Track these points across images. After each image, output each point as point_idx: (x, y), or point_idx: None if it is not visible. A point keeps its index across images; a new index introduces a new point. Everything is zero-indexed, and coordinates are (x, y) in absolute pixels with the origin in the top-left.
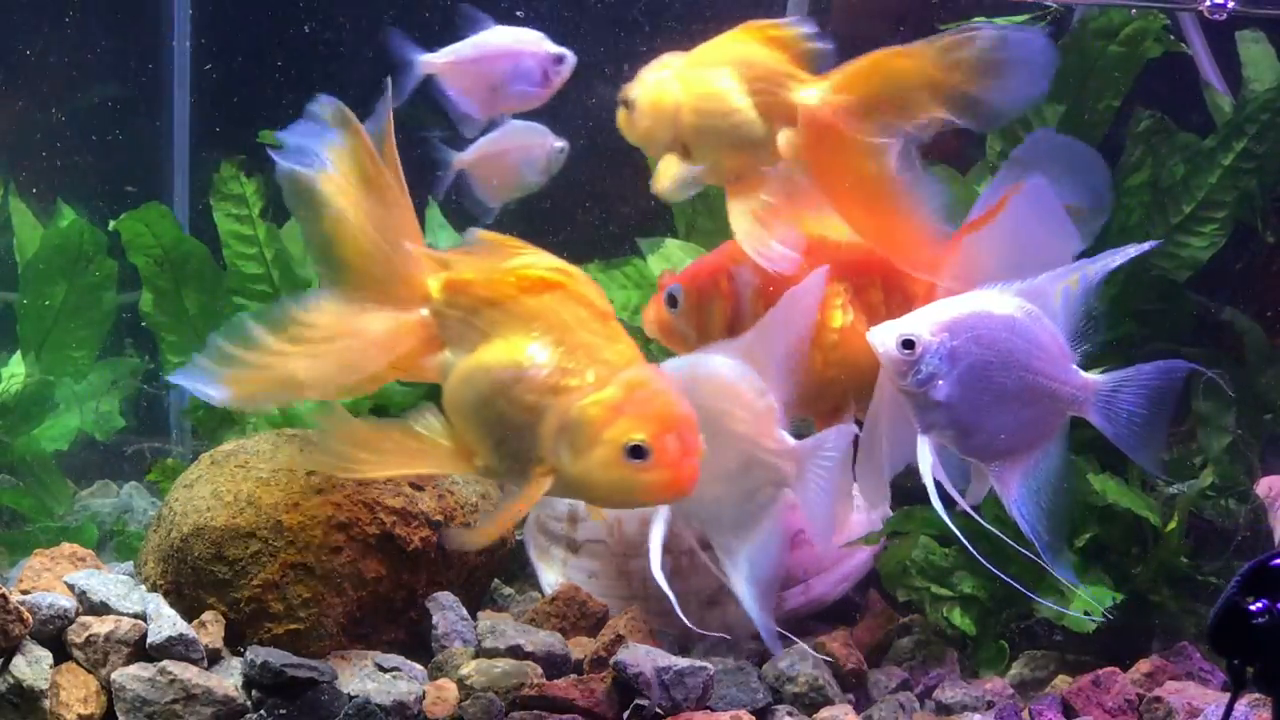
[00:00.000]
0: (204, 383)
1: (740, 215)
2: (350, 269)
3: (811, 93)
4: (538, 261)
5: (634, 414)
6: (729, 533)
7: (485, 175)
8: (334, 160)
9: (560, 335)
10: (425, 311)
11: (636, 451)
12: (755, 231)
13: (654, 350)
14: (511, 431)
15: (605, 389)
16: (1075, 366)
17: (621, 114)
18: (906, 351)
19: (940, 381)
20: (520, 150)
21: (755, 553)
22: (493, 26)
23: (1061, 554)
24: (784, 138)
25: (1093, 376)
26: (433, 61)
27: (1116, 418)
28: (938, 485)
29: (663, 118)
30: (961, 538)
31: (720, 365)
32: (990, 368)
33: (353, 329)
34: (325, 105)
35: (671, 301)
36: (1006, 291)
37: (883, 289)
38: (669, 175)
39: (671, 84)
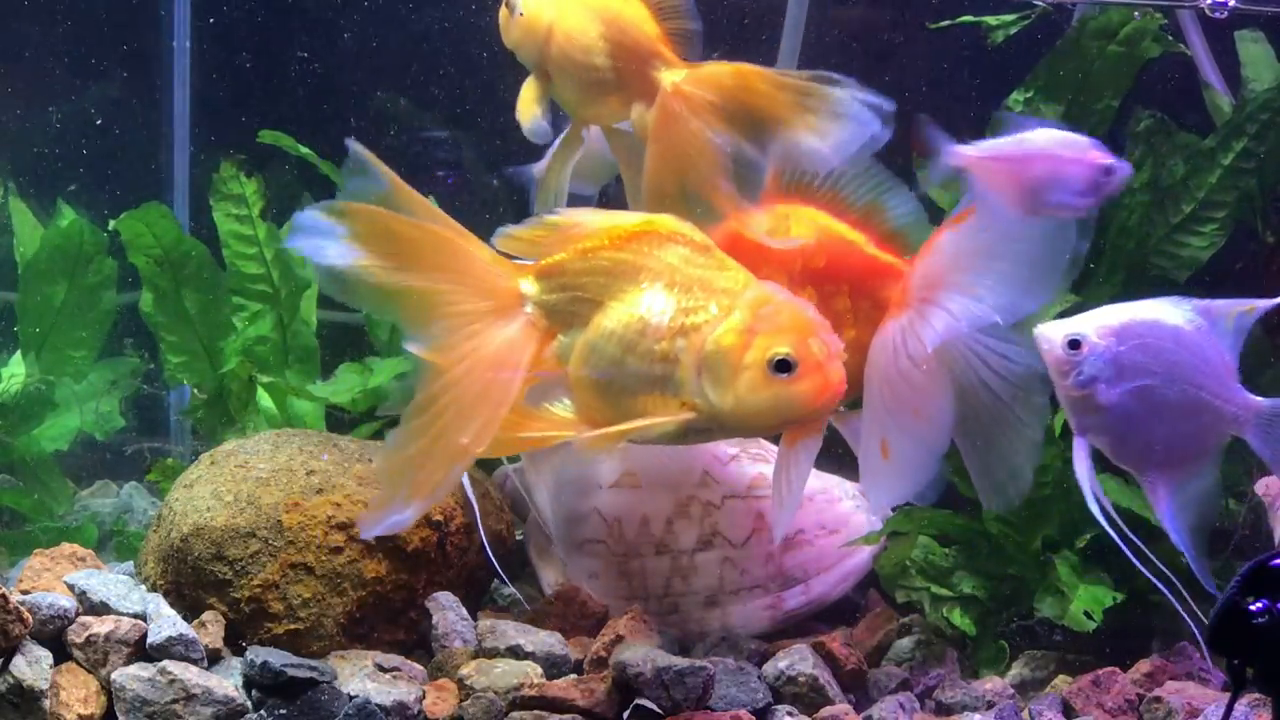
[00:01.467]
0: (394, 515)
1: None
2: (447, 297)
3: (673, 77)
4: (616, 219)
5: (768, 331)
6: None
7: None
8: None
9: (670, 278)
10: (529, 309)
11: (782, 366)
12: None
13: None
14: (648, 386)
15: (732, 316)
16: (1239, 386)
17: (503, 13)
18: (1072, 352)
19: (1102, 385)
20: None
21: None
22: (1038, 128)
23: (1205, 567)
24: (637, 111)
25: (1258, 399)
26: (964, 154)
27: (1275, 442)
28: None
29: (533, 34)
30: (1119, 542)
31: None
32: (1154, 377)
33: (476, 369)
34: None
35: None
36: (1180, 304)
37: (850, 296)
38: (527, 99)
39: (550, 7)
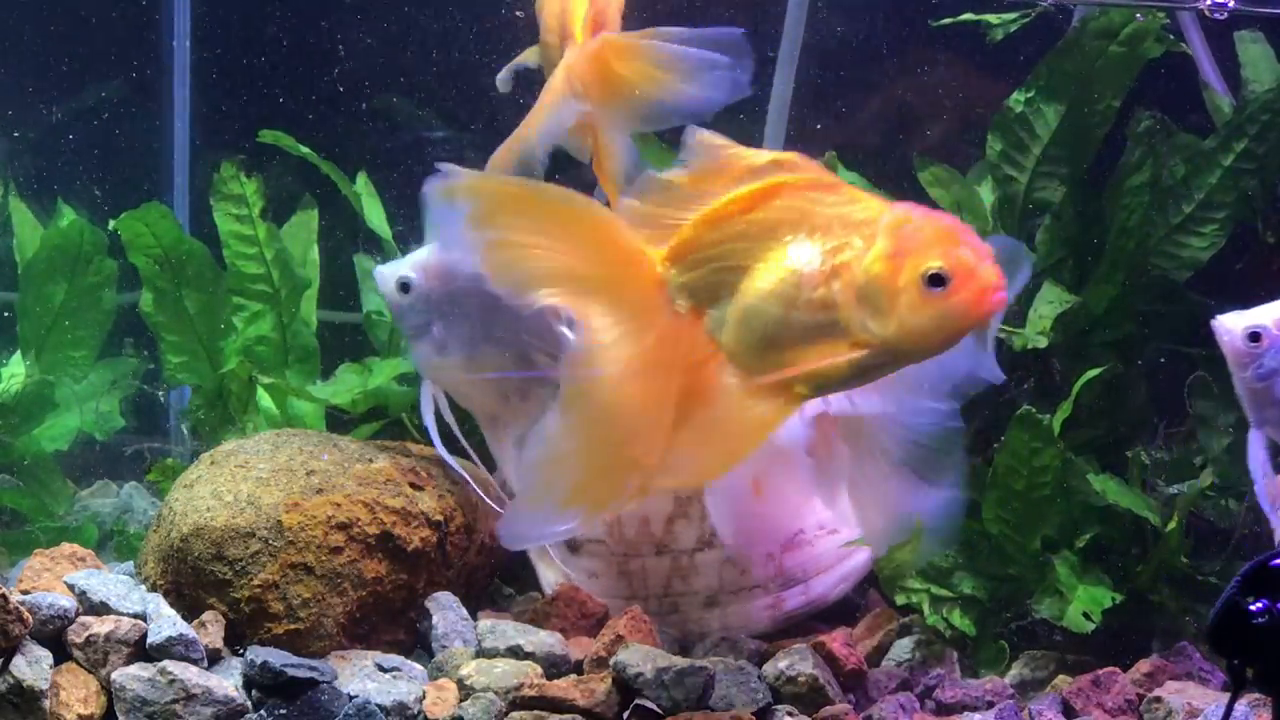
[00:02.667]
0: (547, 521)
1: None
2: (605, 294)
3: (583, 43)
4: (747, 168)
5: (914, 250)
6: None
7: None
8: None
9: (808, 225)
10: (673, 296)
11: (935, 280)
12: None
13: None
14: (815, 336)
15: (876, 244)
16: None
17: None
18: (1252, 345)
19: None
20: None
21: None
22: None
23: None
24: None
25: None
26: None
27: None
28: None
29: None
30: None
31: None
32: None
33: (637, 375)
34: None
35: None
36: None
37: None
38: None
39: None
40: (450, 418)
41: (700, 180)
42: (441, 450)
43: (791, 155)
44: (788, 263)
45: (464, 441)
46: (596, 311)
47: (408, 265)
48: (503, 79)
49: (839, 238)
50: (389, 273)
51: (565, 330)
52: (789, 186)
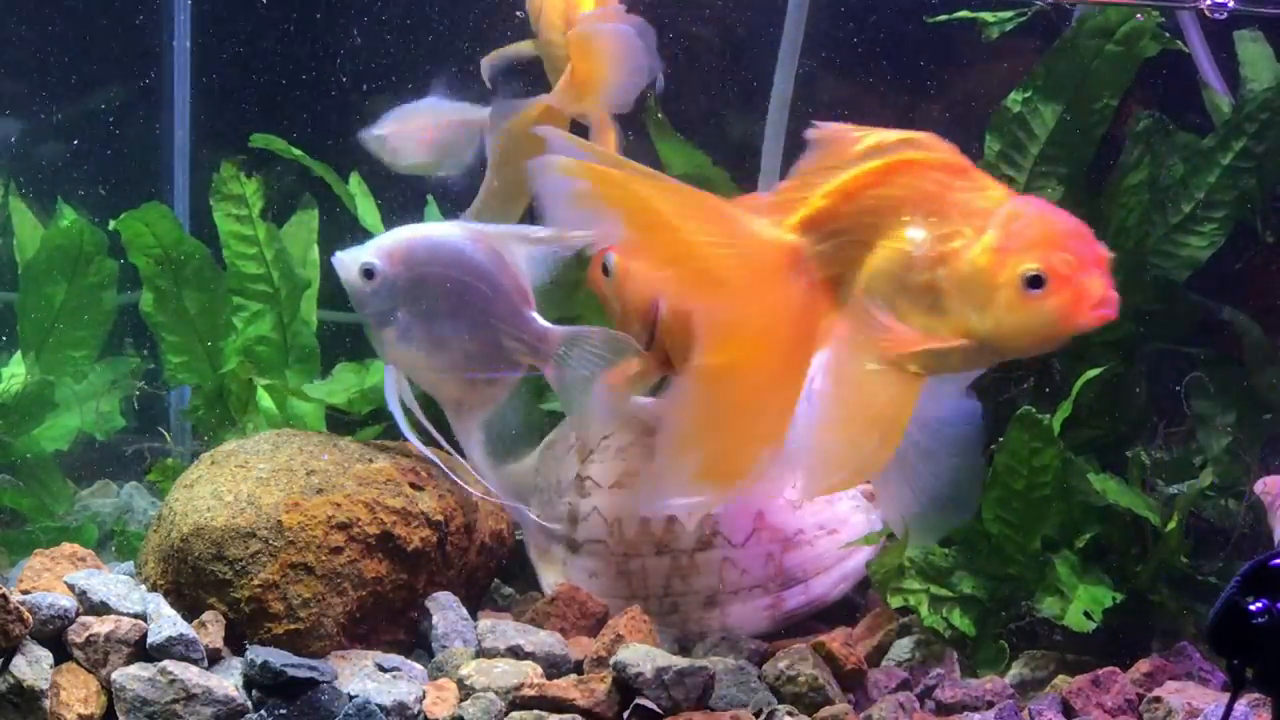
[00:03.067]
0: (679, 494)
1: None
2: (721, 264)
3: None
4: (880, 143)
5: (1018, 247)
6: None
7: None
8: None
9: (929, 207)
10: (808, 264)
11: (1033, 281)
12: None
13: None
14: (920, 319)
15: (985, 235)
16: None
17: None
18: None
19: None
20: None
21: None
22: None
23: None
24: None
25: None
26: None
27: None
28: None
29: None
30: None
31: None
32: None
33: (775, 344)
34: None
35: (604, 268)
36: None
37: None
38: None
39: None
40: (414, 404)
41: (827, 162)
42: (408, 434)
43: (924, 134)
44: (903, 244)
45: (430, 428)
46: (729, 285)
47: (371, 251)
48: (487, 67)
49: (954, 224)
50: (350, 259)
51: (535, 315)
52: (918, 165)
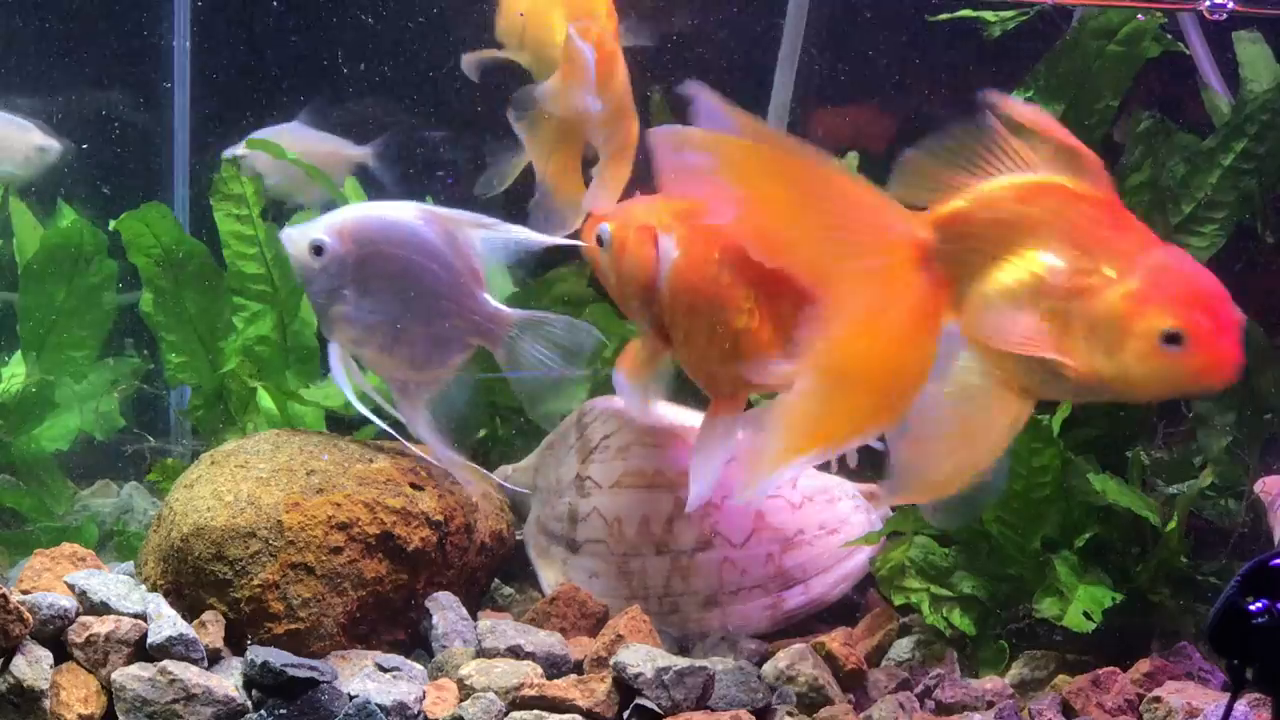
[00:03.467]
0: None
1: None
2: (847, 246)
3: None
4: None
5: (1161, 300)
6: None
7: None
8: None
9: (1070, 236)
10: (934, 259)
11: (1172, 338)
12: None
13: None
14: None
15: (1127, 280)
16: None
17: None
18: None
19: None
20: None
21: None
22: None
23: None
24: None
25: None
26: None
27: None
28: None
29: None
30: None
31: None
32: None
33: (892, 330)
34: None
35: (599, 240)
36: None
37: (794, 304)
38: None
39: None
40: (362, 379)
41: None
42: (360, 407)
43: (1089, 156)
44: (1035, 266)
45: (384, 403)
46: (854, 265)
47: (321, 228)
48: (469, 64)
49: (1096, 260)
50: (299, 235)
51: (487, 297)
52: (1066, 191)
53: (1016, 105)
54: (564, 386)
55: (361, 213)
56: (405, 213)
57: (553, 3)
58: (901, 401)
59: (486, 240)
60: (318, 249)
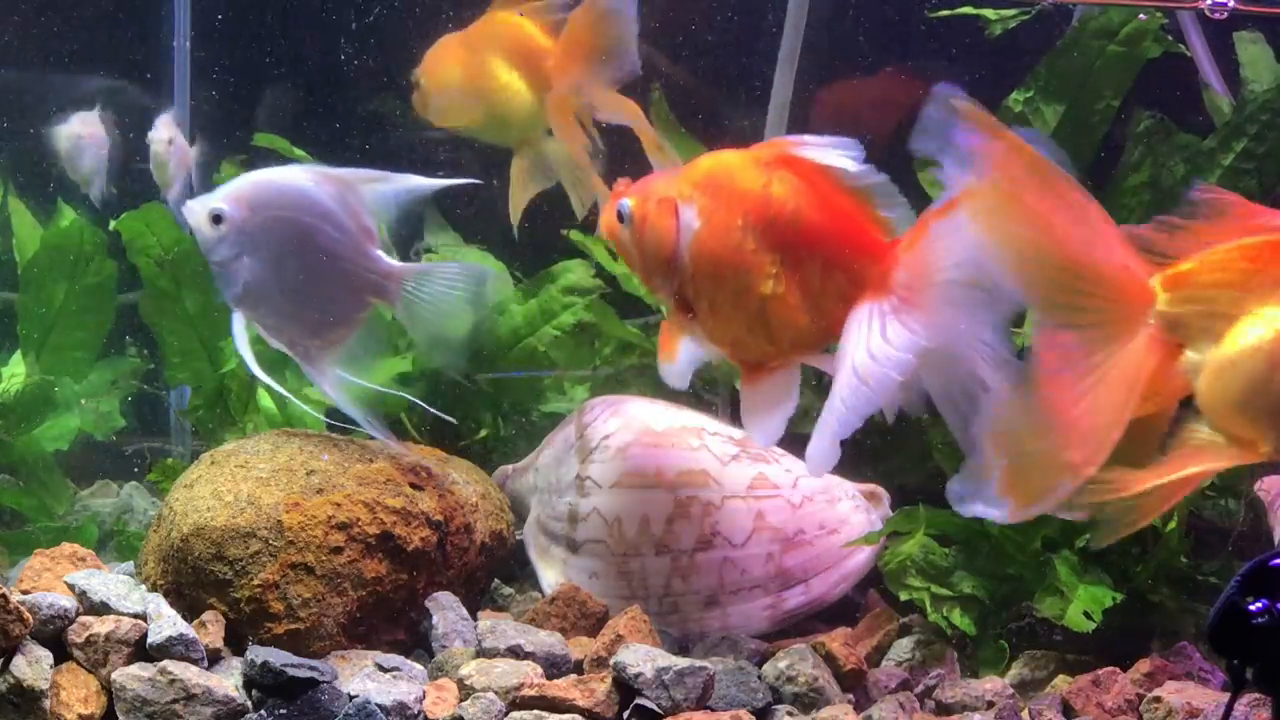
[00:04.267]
0: (983, 499)
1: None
2: (1070, 296)
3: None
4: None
5: None
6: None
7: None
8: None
9: None
10: (1153, 320)
11: None
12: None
13: None
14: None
15: None
16: None
17: None
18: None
19: None
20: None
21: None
22: None
23: None
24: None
25: None
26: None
27: None
28: None
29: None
30: None
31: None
32: None
33: (1100, 383)
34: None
35: (620, 215)
36: None
37: (823, 270)
38: None
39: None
40: (277, 344)
41: (1211, 231)
42: (261, 375)
43: None
44: (1272, 335)
45: (306, 363)
46: (1077, 307)
47: (219, 196)
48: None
49: None
50: (199, 206)
51: (380, 254)
52: None
53: (1216, 191)
54: (459, 326)
55: (256, 178)
56: (298, 176)
57: (486, 55)
58: (1100, 446)
59: (378, 194)
60: (217, 218)
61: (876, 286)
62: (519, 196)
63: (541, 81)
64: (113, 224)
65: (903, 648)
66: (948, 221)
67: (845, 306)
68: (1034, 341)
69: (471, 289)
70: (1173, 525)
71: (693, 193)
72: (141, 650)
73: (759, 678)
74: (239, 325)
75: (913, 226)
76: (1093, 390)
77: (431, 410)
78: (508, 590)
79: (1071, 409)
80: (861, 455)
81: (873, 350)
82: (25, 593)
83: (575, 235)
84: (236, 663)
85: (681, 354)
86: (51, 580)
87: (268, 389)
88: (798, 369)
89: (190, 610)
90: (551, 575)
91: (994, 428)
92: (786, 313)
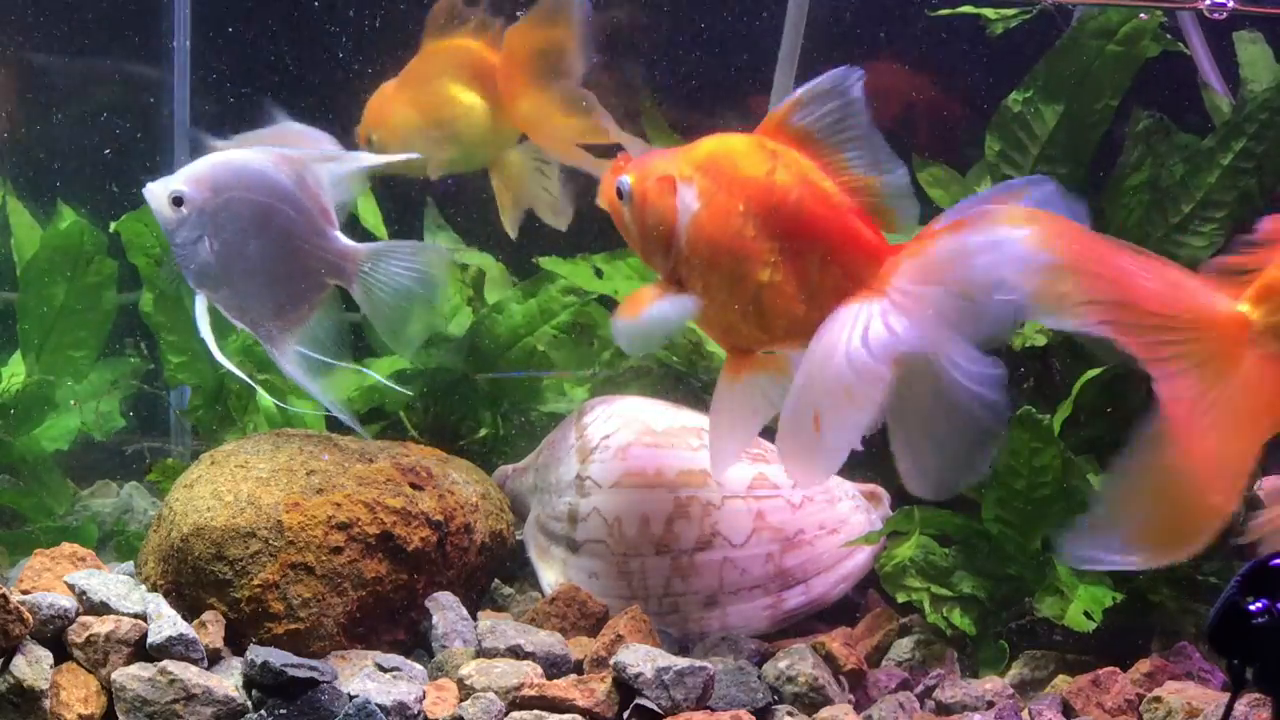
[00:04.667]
0: (1109, 554)
1: None
2: (1172, 346)
3: None
4: None
5: None
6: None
7: None
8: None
9: None
10: (1256, 339)
11: None
12: None
13: None
14: None
15: None
16: None
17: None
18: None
19: None
20: None
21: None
22: None
23: None
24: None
25: None
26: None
27: None
28: None
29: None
30: None
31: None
32: None
33: (1218, 421)
34: None
35: (619, 193)
36: None
37: (821, 263)
38: None
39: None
40: (241, 325)
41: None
42: (222, 359)
43: None
44: None
45: (278, 346)
46: (1181, 354)
47: (180, 179)
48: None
49: None
50: (160, 188)
51: (338, 234)
52: None
53: None
54: (418, 310)
55: (216, 160)
56: (255, 157)
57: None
58: (1232, 489)
59: (334, 174)
60: (178, 200)
61: (873, 286)
62: (510, 213)
63: (498, 96)
64: (113, 225)
65: (903, 648)
66: (957, 239)
67: (840, 300)
68: (1158, 398)
69: (425, 266)
70: None
71: (693, 173)
72: (141, 650)
73: (759, 678)
74: (201, 307)
75: (919, 235)
76: (1220, 426)
77: (397, 388)
78: (508, 590)
79: (1207, 451)
80: (861, 455)
81: (850, 348)
82: (25, 593)
83: (547, 262)
84: (236, 663)
85: (645, 315)
86: (51, 580)
87: (235, 378)
88: (786, 383)
89: (190, 610)
90: (551, 575)
91: (1125, 488)
92: (782, 301)
